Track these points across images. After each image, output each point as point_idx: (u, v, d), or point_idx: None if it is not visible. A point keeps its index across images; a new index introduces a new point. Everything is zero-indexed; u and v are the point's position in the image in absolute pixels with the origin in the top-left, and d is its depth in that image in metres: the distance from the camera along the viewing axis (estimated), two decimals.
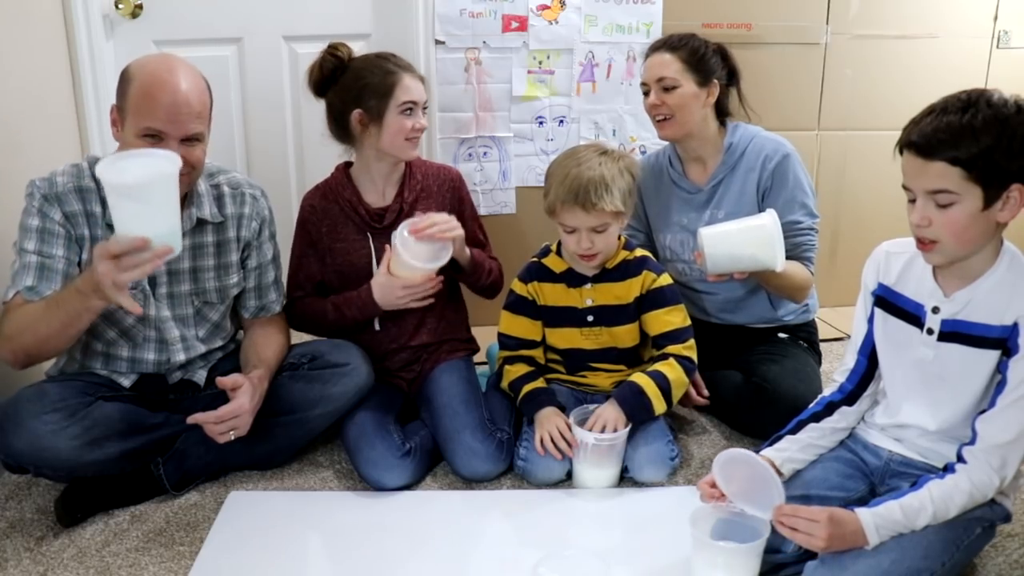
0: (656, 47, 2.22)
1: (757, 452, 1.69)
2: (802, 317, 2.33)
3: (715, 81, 2.19)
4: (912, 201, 1.50)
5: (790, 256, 2.11)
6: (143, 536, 1.83)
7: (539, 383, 2.09)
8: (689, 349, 2.06)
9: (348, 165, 2.20)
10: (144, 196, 1.56)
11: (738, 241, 1.98)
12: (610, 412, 1.94)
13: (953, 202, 1.44)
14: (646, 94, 2.22)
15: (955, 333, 1.55)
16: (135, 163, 1.60)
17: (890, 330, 1.66)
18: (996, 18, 2.89)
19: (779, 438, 1.73)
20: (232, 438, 1.86)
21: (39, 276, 1.81)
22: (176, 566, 1.73)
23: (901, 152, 1.49)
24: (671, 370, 2.01)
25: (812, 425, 1.72)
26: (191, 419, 1.83)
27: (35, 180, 1.85)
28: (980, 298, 1.53)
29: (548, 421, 1.99)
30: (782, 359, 2.20)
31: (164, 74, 1.77)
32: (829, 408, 1.74)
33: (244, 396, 1.85)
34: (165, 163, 1.60)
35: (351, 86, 2.08)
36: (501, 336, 2.17)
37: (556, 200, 1.95)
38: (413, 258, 1.95)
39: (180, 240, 1.65)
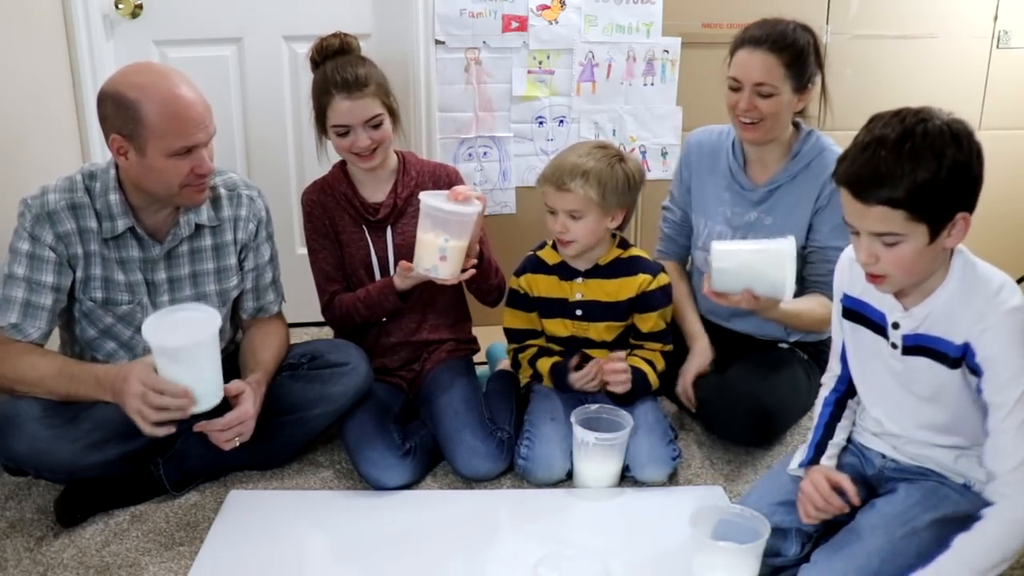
0: (758, 40, 1.99)
1: (800, 465, 1.68)
2: (812, 336, 2.19)
3: (810, 87, 2.04)
4: (855, 234, 1.45)
5: (822, 281, 2.04)
6: (143, 536, 1.83)
7: (554, 358, 2.14)
8: (666, 348, 2.15)
9: (345, 162, 2.20)
10: (185, 358, 1.66)
11: (749, 259, 1.86)
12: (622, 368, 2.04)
13: (899, 241, 1.39)
14: (734, 89, 2.03)
15: (919, 347, 1.52)
16: (179, 320, 1.70)
17: (858, 340, 1.63)
18: (996, 18, 2.89)
19: (821, 447, 1.69)
20: (237, 444, 1.85)
21: (24, 313, 1.82)
22: (176, 566, 1.73)
23: (838, 184, 1.43)
24: (659, 361, 2.12)
25: (840, 424, 1.72)
26: (197, 427, 1.83)
27: (26, 198, 1.83)
28: (937, 312, 1.49)
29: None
30: (764, 367, 2.11)
31: (174, 89, 1.74)
32: (840, 405, 1.73)
33: (248, 402, 1.84)
34: (207, 323, 1.70)
35: (311, 90, 2.11)
36: (507, 331, 2.21)
37: (541, 178, 2.05)
38: (440, 202, 1.93)
39: (220, 396, 1.74)
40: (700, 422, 2.23)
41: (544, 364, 2.13)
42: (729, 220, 2.16)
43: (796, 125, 2.12)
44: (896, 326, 1.53)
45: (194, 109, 1.75)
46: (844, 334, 1.67)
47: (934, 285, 1.48)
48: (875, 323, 1.59)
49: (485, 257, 2.14)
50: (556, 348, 2.18)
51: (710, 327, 2.22)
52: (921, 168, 1.34)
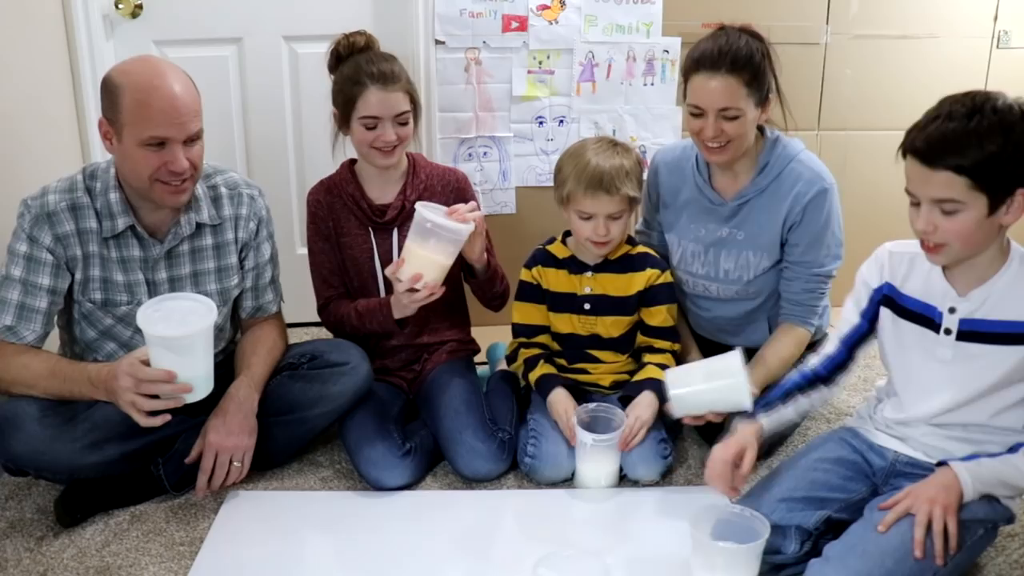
0: (715, 65, 1.91)
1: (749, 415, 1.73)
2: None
3: (771, 97, 1.99)
4: (915, 204, 1.49)
5: (795, 300, 2.04)
6: (143, 536, 1.83)
7: (550, 368, 2.13)
8: (675, 347, 2.14)
9: (353, 162, 2.20)
10: (182, 348, 1.66)
11: (702, 385, 1.86)
12: (646, 412, 2.00)
13: (959, 210, 1.44)
14: (696, 116, 1.96)
15: (974, 332, 1.54)
16: (173, 309, 1.70)
17: (900, 332, 1.65)
18: (996, 18, 2.88)
19: (771, 406, 1.73)
20: (239, 468, 1.88)
21: (18, 316, 1.82)
22: (176, 566, 1.73)
23: (904, 155, 1.48)
24: (672, 364, 2.08)
25: (799, 397, 1.74)
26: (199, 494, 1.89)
27: (27, 199, 1.83)
28: (997, 296, 1.52)
29: (558, 404, 2.05)
30: None
31: (155, 79, 1.75)
32: (813, 383, 1.75)
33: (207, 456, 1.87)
34: (204, 314, 1.69)
35: (335, 82, 2.10)
36: (515, 326, 2.19)
37: (577, 188, 1.99)
38: (438, 217, 1.91)
39: (211, 384, 1.74)
40: (696, 433, 2.20)
41: (543, 368, 2.12)
42: (701, 238, 2.12)
43: (760, 130, 2.05)
44: (952, 310, 1.56)
45: (169, 102, 1.74)
46: (883, 325, 1.68)
47: (991, 270, 1.53)
48: (917, 314, 1.61)
49: (492, 266, 2.14)
50: (556, 347, 2.18)
51: (701, 341, 2.21)
52: (989, 140, 1.40)
